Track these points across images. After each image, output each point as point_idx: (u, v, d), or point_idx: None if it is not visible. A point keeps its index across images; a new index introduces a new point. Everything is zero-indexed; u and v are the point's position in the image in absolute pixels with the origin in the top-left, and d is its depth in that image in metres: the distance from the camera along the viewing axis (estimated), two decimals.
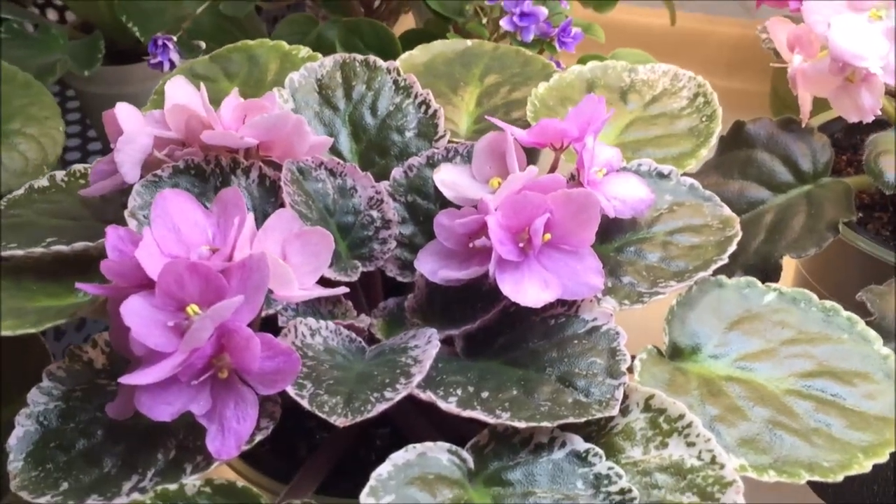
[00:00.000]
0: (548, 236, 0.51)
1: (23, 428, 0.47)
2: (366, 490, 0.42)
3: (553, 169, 0.57)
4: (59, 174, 0.64)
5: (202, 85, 0.57)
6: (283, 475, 0.54)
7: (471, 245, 0.52)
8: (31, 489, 0.44)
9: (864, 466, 0.45)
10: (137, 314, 0.44)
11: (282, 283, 0.47)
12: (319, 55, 0.70)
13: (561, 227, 0.51)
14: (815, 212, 0.66)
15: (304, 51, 0.70)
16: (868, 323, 0.54)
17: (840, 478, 0.45)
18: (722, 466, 0.44)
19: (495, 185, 0.55)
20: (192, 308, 0.45)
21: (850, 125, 0.73)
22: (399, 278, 0.58)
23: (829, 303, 0.53)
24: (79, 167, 0.64)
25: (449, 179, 0.56)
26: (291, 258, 0.50)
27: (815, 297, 0.53)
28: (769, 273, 0.65)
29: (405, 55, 0.71)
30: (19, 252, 0.54)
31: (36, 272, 0.55)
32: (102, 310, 0.49)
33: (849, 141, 0.78)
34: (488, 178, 0.56)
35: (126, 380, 0.43)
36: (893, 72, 0.63)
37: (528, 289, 0.50)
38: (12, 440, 0.46)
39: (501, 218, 0.51)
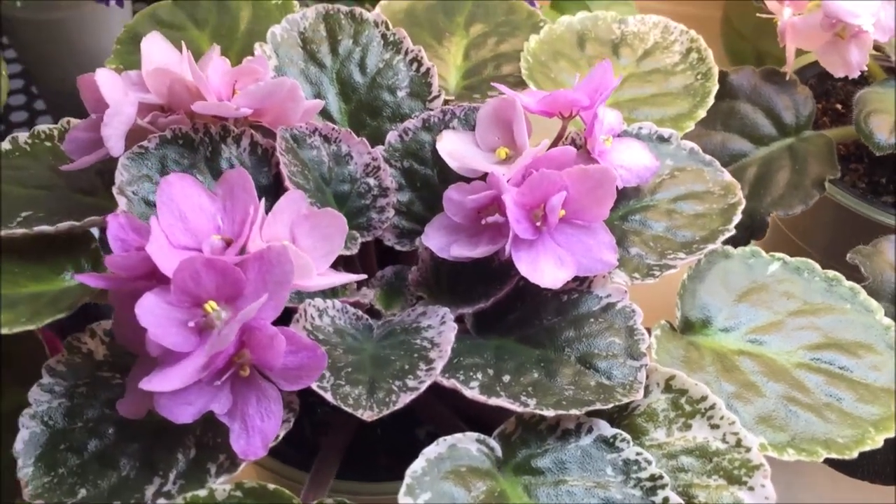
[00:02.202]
0: (562, 212, 0.50)
1: (28, 430, 0.44)
2: (402, 489, 0.42)
3: (560, 137, 0.55)
4: (22, 136, 0.59)
5: (185, 47, 0.53)
6: (290, 457, 0.53)
7: (483, 222, 0.51)
8: (46, 497, 0.42)
9: (877, 441, 0.47)
10: (153, 313, 0.42)
11: (300, 273, 0.45)
12: (294, 2, 0.66)
13: (576, 202, 0.50)
14: (799, 167, 0.67)
15: None
16: (864, 287, 0.55)
17: (855, 454, 0.46)
18: (748, 450, 0.44)
19: (502, 156, 0.53)
20: (211, 305, 0.42)
21: (823, 72, 0.73)
22: (398, 247, 0.57)
23: (831, 272, 0.54)
24: (42, 128, 0.59)
25: (452, 149, 0.54)
26: (301, 241, 0.48)
27: (817, 266, 0.54)
28: (755, 230, 0.66)
29: (384, 2, 0.68)
30: None
31: (16, 252, 0.51)
32: (104, 294, 0.47)
33: (822, 87, 0.78)
34: (493, 146, 0.54)
35: (148, 385, 0.41)
36: (884, 28, 0.63)
37: (544, 268, 0.49)
38: (18, 444, 0.43)
39: (517, 196, 0.49)
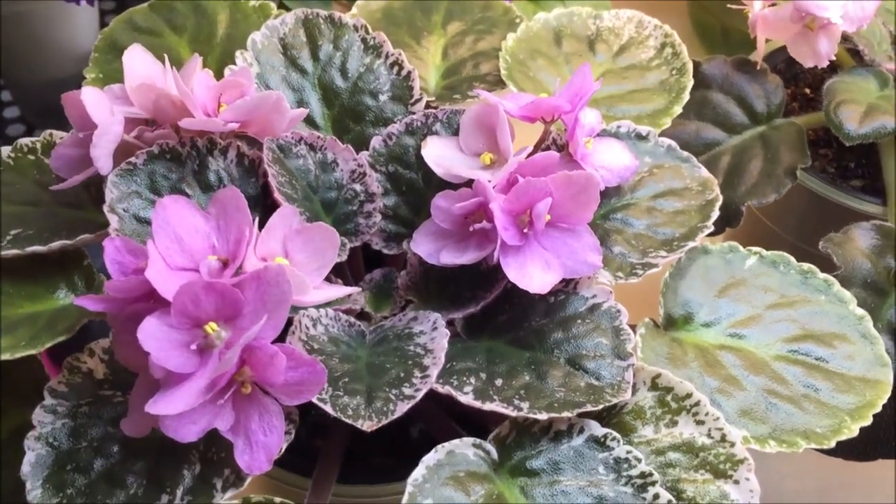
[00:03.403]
0: (548, 217, 0.51)
1: (34, 452, 0.45)
2: (405, 498, 0.43)
3: (542, 140, 0.56)
4: (5, 150, 0.59)
5: (167, 61, 0.54)
6: (288, 462, 0.54)
7: (470, 229, 0.52)
8: None
9: (853, 430, 0.49)
10: (155, 338, 0.42)
11: (297, 289, 0.46)
12: (272, 4, 0.66)
13: (560, 207, 0.51)
14: (771, 156, 0.69)
15: (254, 0, 0.66)
16: (836, 276, 0.57)
17: (833, 443, 0.48)
18: (732, 444, 0.46)
19: (487, 161, 0.55)
20: (211, 326, 0.43)
21: (792, 56, 0.75)
22: (385, 251, 0.58)
23: (806, 265, 0.56)
24: (25, 142, 0.59)
25: (437, 155, 0.55)
26: (294, 255, 0.49)
27: (792, 259, 0.56)
28: (730, 219, 0.68)
29: (361, 2, 0.68)
30: None
31: (8, 272, 0.51)
32: (101, 313, 0.47)
33: (790, 72, 0.80)
34: (478, 152, 0.55)
35: (154, 409, 0.42)
36: (852, 19, 0.65)
37: (532, 273, 0.50)
38: (25, 467, 0.44)
39: (505, 203, 0.50)
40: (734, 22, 1.03)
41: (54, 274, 0.52)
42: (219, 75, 0.58)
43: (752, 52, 0.97)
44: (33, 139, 0.59)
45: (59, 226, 0.54)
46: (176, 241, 0.45)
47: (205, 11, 0.65)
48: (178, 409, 0.42)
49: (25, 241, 0.52)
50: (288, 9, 0.86)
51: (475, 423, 0.55)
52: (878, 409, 0.50)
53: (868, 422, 0.49)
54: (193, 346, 0.43)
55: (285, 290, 0.43)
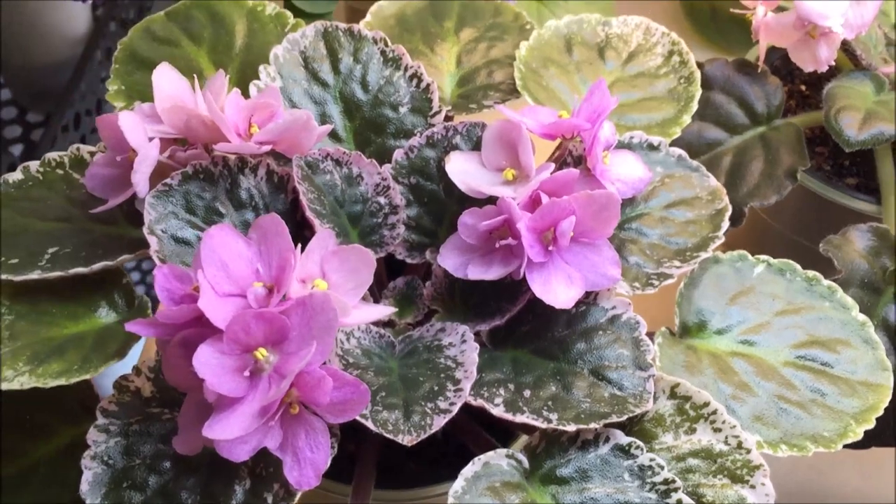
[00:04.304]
0: (570, 234, 0.53)
1: (90, 471, 0.47)
2: None
3: (561, 156, 0.59)
4: (34, 165, 0.60)
5: (196, 81, 0.55)
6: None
7: (497, 245, 0.54)
8: None
9: (858, 433, 0.52)
10: (209, 365, 0.45)
11: (340, 313, 0.48)
12: (288, 13, 0.67)
13: (582, 224, 0.54)
14: (771, 157, 0.71)
15: (270, 7, 0.67)
16: (836, 280, 0.60)
17: (840, 447, 0.52)
18: (748, 451, 0.50)
19: (509, 177, 0.57)
20: (261, 352, 0.45)
21: (787, 54, 0.77)
22: (408, 260, 0.60)
23: (811, 272, 0.59)
24: (52, 156, 0.60)
25: (460, 170, 0.57)
26: (330, 276, 0.51)
27: (798, 266, 0.59)
28: (733, 220, 0.70)
29: (375, 7, 0.69)
30: (33, 275, 0.52)
31: (49, 291, 0.53)
32: None
33: (787, 69, 0.82)
34: (500, 167, 0.57)
35: (211, 434, 0.44)
36: (851, 26, 0.67)
37: (556, 288, 0.53)
38: (84, 486, 0.47)
39: (530, 222, 0.53)
40: (723, 2, 1.05)
41: (94, 292, 0.53)
42: (240, 86, 0.60)
43: (740, 31, 0.99)
44: (61, 153, 0.60)
45: (94, 243, 0.55)
46: (222, 269, 0.47)
47: (222, 21, 0.66)
48: (235, 434, 0.44)
49: (65, 261, 0.53)
50: (295, 9, 0.87)
51: (495, 424, 0.58)
52: (881, 412, 0.53)
53: (871, 425, 0.53)
54: (246, 373, 0.45)
55: (331, 318, 0.46)
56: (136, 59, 0.65)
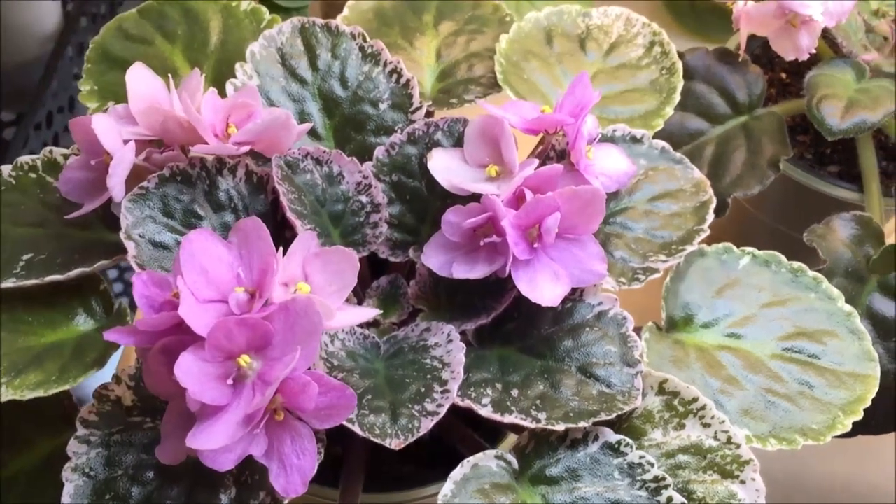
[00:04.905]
0: (556, 230, 0.53)
1: (72, 483, 0.46)
2: None
3: (544, 151, 0.58)
4: (6, 169, 0.59)
5: (171, 81, 0.54)
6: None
7: (481, 243, 0.53)
8: None
9: (846, 425, 0.52)
10: (191, 373, 0.44)
11: (324, 316, 0.47)
12: (263, 8, 0.66)
13: (567, 220, 0.53)
14: (754, 147, 0.71)
15: (245, 3, 0.66)
16: (821, 270, 0.60)
17: (829, 439, 0.52)
18: (738, 446, 0.49)
19: (492, 174, 0.56)
20: (244, 359, 0.45)
21: (767, 42, 0.77)
22: (391, 259, 0.59)
23: (796, 263, 0.58)
24: (25, 160, 0.59)
25: (443, 167, 0.56)
26: (313, 278, 0.50)
27: (783, 258, 0.59)
28: (717, 210, 0.70)
29: (352, 1, 0.68)
30: (8, 284, 0.51)
31: (25, 299, 0.52)
32: None
33: (767, 56, 0.82)
34: (483, 164, 0.56)
35: (194, 444, 0.43)
36: (832, 14, 0.67)
37: (542, 286, 0.52)
38: (66, 498, 0.45)
39: (514, 219, 0.52)
40: None
41: (71, 299, 0.52)
42: (216, 84, 0.59)
43: (718, 16, 0.99)
44: (33, 157, 0.59)
45: (70, 248, 0.54)
46: (202, 275, 0.46)
47: (196, 17, 0.65)
48: (220, 444, 0.43)
49: (41, 268, 0.52)
50: (271, 5, 0.86)
51: (485, 424, 0.57)
52: (868, 403, 0.53)
53: (859, 416, 0.52)
54: (229, 381, 0.44)
55: (315, 322, 0.45)
56: (109, 59, 0.63)
